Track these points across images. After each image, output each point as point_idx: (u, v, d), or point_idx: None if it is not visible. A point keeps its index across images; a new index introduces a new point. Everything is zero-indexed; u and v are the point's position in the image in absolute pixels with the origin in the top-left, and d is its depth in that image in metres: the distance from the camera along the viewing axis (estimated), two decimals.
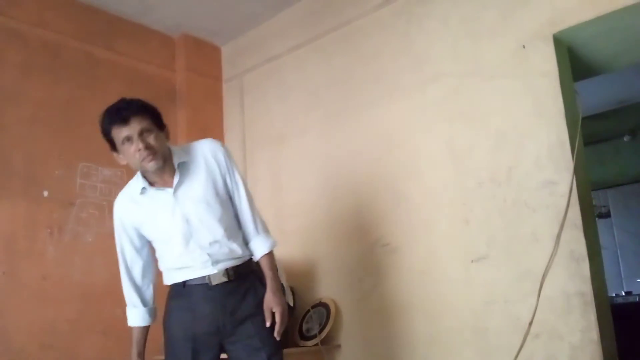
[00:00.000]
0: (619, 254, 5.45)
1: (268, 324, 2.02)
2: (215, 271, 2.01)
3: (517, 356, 2.44)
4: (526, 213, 2.52)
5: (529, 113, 2.56)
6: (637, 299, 4.61)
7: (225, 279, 2.01)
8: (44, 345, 2.95)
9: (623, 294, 4.76)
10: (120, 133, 1.95)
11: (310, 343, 3.06)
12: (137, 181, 2.08)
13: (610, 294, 4.49)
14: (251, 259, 2.12)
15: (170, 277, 2.11)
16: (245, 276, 2.08)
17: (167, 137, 2.08)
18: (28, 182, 3.07)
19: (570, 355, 2.33)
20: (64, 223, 3.17)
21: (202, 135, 3.87)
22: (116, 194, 3.37)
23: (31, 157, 3.11)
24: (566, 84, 2.54)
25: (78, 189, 3.27)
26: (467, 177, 2.73)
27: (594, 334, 2.28)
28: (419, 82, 2.99)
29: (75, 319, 3.10)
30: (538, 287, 2.41)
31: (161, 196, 2.05)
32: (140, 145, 1.93)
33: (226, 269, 2.02)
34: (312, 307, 3.19)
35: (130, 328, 2.18)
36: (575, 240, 2.37)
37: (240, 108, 3.97)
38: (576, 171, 2.41)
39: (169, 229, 2.03)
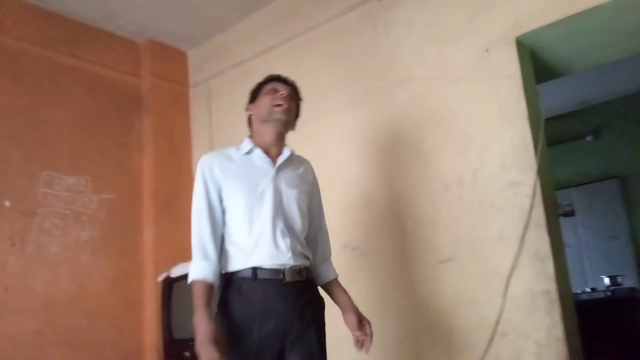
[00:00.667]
0: (583, 251, 5.57)
1: (368, 345, 2.05)
2: (291, 263, 1.93)
3: (484, 355, 2.47)
4: (492, 214, 2.55)
5: (493, 115, 2.60)
6: (602, 295, 4.71)
7: (298, 278, 1.94)
8: None
9: (588, 290, 4.85)
10: (273, 85, 2.14)
11: None
12: (243, 144, 2.11)
13: (575, 291, 4.59)
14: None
15: (239, 261, 1.92)
16: (312, 282, 2.07)
17: (293, 128, 2.22)
18: None
19: (536, 353, 2.36)
20: (27, 233, 3.10)
21: (169, 141, 3.85)
22: (80, 202, 3.38)
23: None
24: (529, 86, 2.59)
25: (41, 198, 3.20)
26: (434, 179, 2.76)
27: (559, 331, 2.31)
28: (386, 86, 3.00)
29: (39, 331, 3.03)
30: (504, 286, 2.44)
31: (264, 163, 2.06)
32: (285, 92, 2.09)
33: (299, 268, 1.96)
34: None
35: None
36: (539, 239, 2.41)
37: (208, 113, 3.94)
38: (540, 172, 2.45)
39: (261, 194, 1.98)
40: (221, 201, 1.99)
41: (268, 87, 2.14)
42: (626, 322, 4.45)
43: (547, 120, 2.64)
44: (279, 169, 2.06)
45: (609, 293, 4.72)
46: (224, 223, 1.99)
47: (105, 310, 3.34)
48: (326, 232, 2.25)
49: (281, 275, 1.90)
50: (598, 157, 5.64)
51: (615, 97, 5.43)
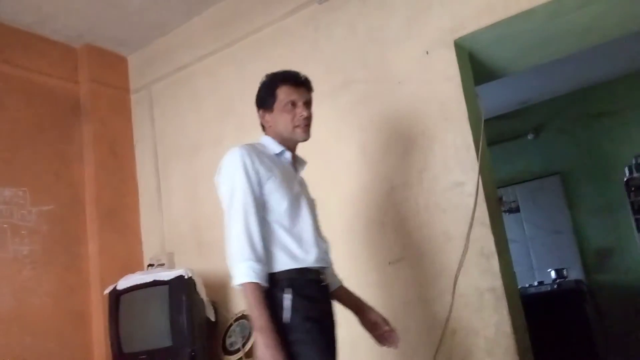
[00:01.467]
0: (529, 246, 5.74)
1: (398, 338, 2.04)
2: (328, 265, 1.97)
3: (436, 353, 2.51)
4: (438, 214, 2.59)
5: (435, 117, 2.64)
6: (549, 288, 4.86)
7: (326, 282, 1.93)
8: None
9: (535, 284, 5.01)
10: (289, 93, 1.96)
11: (234, 357, 3.00)
12: (268, 144, 2.00)
13: (523, 285, 4.73)
14: None
15: (286, 262, 1.79)
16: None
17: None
18: None
19: (486, 349, 2.41)
20: None
21: (110, 148, 3.75)
22: (18, 215, 3.24)
23: None
24: (468, 88, 2.65)
25: None
26: (381, 181, 2.78)
27: (507, 326, 2.37)
28: (329, 89, 3.01)
29: None
30: (452, 285, 2.49)
31: (291, 167, 2.02)
32: (305, 113, 1.96)
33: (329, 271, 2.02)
34: (234, 321, 3.13)
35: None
36: (484, 237, 2.46)
37: (150, 119, 3.85)
38: (481, 171, 2.51)
39: (297, 196, 1.93)
40: (262, 196, 1.84)
41: (284, 97, 1.96)
42: (573, 314, 4.62)
43: (487, 120, 2.71)
44: (299, 173, 2.08)
45: (555, 286, 4.88)
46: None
47: (51, 326, 3.21)
48: None
49: (322, 277, 1.88)
50: (539, 155, 5.83)
51: (554, 96, 5.63)
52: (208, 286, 3.13)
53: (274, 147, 1.98)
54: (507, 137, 5.78)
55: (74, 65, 3.77)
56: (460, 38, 2.63)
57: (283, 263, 1.79)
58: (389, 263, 2.71)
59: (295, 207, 1.90)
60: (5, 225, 3.15)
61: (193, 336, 2.88)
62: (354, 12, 2.97)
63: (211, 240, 3.39)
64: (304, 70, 3.07)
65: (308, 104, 2.00)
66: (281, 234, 1.83)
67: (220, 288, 3.25)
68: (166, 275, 3.01)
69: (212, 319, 3.11)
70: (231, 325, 3.13)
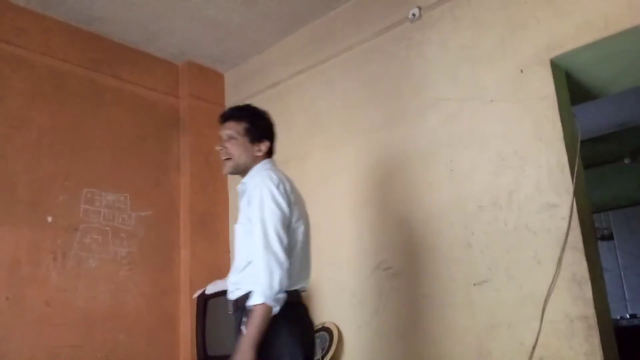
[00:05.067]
0: (622, 276, 5.42)
1: None
2: (230, 298, 2.15)
3: None
4: (527, 236, 2.52)
5: (528, 136, 2.58)
6: None
7: (230, 311, 2.15)
8: None
9: (628, 316, 4.72)
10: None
11: None
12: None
13: (614, 317, 4.46)
14: None
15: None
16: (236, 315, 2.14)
17: (262, 152, 2.21)
18: (32, 207, 3.11)
19: None
20: (68, 248, 3.19)
21: (205, 159, 3.93)
22: (119, 219, 3.47)
23: (36, 183, 3.15)
24: (564, 108, 2.57)
25: (82, 215, 3.30)
26: (468, 200, 2.75)
27: (597, 357, 2.26)
28: (419, 107, 3.02)
29: (78, 345, 3.10)
30: (541, 310, 2.41)
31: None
32: (219, 148, 2.19)
33: (230, 301, 2.16)
34: (315, 332, 3.17)
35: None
36: (577, 263, 2.37)
37: None
38: (576, 194, 2.42)
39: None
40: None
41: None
42: None
43: (583, 142, 2.62)
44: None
45: None
46: None
47: (142, 325, 3.40)
48: (253, 253, 2.08)
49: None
50: (636, 180, 5.52)
51: None
52: None
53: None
54: (603, 160, 5.52)
55: (176, 81, 4.02)
56: (557, 57, 2.57)
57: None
58: (474, 284, 2.67)
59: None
60: (107, 228, 3.38)
61: None
62: (446, 30, 2.98)
63: None
64: (393, 87, 3.15)
65: (229, 138, 2.18)
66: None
67: None
68: None
69: None
70: None
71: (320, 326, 3.18)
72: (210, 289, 3.27)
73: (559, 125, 2.50)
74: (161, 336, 3.46)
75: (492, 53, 2.78)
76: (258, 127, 2.21)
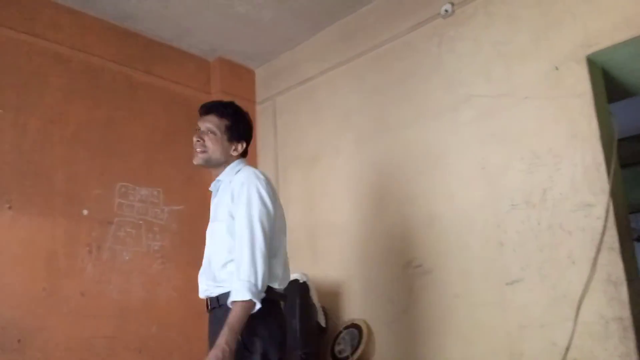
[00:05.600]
0: None
1: None
2: (203, 296, 2.18)
3: None
4: (561, 235, 2.48)
5: (563, 134, 2.54)
6: None
7: (209, 308, 2.16)
8: None
9: None
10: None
11: None
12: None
13: None
14: None
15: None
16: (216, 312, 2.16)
17: (238, 151, 2.24)
18: (69, 200, 3.18)
19: None
20: (103, 241, 3.25)
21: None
22: (152, 213, 3.52)
23: (72, 177, 3.22)
24: (601, 106, 2.52)
25: (116, 208, 3.36)
26: (501, 198, 2.72)
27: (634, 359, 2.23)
28: (451, 103, 3.00)
29: (112, 336, 3.16)
30: (575, 311, 2.37)
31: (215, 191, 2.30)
32: (195, 138, 2.18)
33: (207, 298, 2.16)
34: (345, 328, 3.18)
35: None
36: (612, 263, 2.33)
37: (273, 129, 4.03)
38: (612, 193, 2.38)
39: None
40: None
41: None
42: None
43: (620, 140, 2.57)
44: (213, 200, 2.29)
45: None
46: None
47: (174, 318, 3.44)
48: (236, 249, 2.10)
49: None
50: None
51: None
52: (320, 292, 3.21)
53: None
54: None
55: (207, 77, 4.06)
56: (593, 53, 2.52)
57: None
58: (506, 284, 2.64)
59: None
60: (140, 222, 3.44)
61: (305, 339, 2.97)
62: (479, 26, 2.94)
63: (325, 248, 3.48)
64: (425, 83, 3.13)
65: (208, 132, 2.18)
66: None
67: (331, 295, 3.33)
68: None
69: (323, 324, 3.19)
70: (341, 332, 3.19)
71: (350, 323, 3.19)
72: None
73: (595, 123, 2.46)
74: (192, 329, 3.49)
75: (527, 49, 2.74)
76: (239, 127, 2.23)
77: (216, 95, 3.99)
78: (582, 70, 2.54)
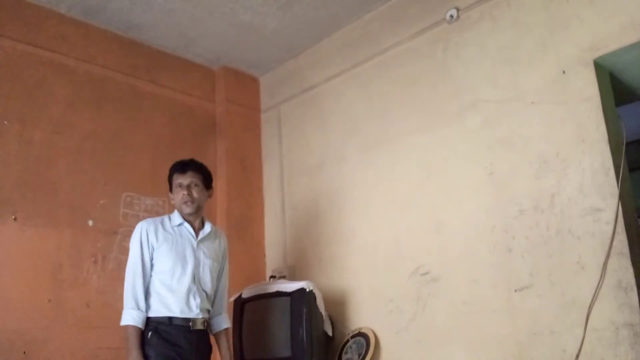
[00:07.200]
0: None
1: None
2: (200, 317, 2.55)
3: None
4: (570, 241, 2.46)
5: (571, 139, 2.52)
6: None
7: (201, 327, 2.56)
8: None
9: None
10: (177, 178, 2.65)
11: None
12: (174, 217, 2.68)
13: None
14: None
15: (160, 310, 2.48)
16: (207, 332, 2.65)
17: (210, 196, 2.76)
18: (74, 211, 3.18)
19: None
20: (108, 252, 3.25)
21: (241, 163, 3.97)
22: None
23: (77, 187, 3.22)
24: (609, 109, 2.50)
25: (121, 218, 3.36)
26: (508, 204, 2.69)
27: None
28: (457, 109, 2.98)
29: (117, 347, 3.12)
30: (584, 317, 2.34)
31: (190, 235, 2.65)
32: (185, 192, 2.61)
33: (204, 320, 2.59)
34: (352, 337, 3.15)
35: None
36: (622, 269, 2.30)
37: (278, 137, 4.03)
38: (622, 197, 2.35)
39: (185, 260, 2.56)
40: (151, 260, 2.54)
41: (175, 181, 2.66)
42: None
43: (629, 144, 2.55)
44: (200, 241, 2.65)
45: None
46: (150, 278, 2.53)
47: None
48: (224, 291, 2.80)
49: (190, 324, 2.51)
50: None
51: None
52: (326, 301, 3.19)
53: (176, 219, 2.65)
54: None
55: (212, 85, 4.06)
56: (600, 57, 2.50)
57: (156, 310, 2.48)
58: (515, 290, 2.61)
59: (178, 267, 2.54)
60: None
61: (312, 348, 2.94)
62: (485, 31, 2.93)
63: (331, 256, 3.46)
64: (430, 89, 3.12)
65: (194, 185, 2.64)
66: (160, 288, 2.51)
67: (338, 304, 3.30)
68: (288, 287, 3.12)
69: (330, 333, 3.16)
70: (348, 341, 3.16)
71: (357, 331, 3.16)
72: (247, 293, 3.29)
73: (603, 127, 2.43)
74: None
75: (533, 54, 2.72)
76: (209, 179, 2.75)
77: (220, 104, 4.00)
78: (590, 74, 2.51)
